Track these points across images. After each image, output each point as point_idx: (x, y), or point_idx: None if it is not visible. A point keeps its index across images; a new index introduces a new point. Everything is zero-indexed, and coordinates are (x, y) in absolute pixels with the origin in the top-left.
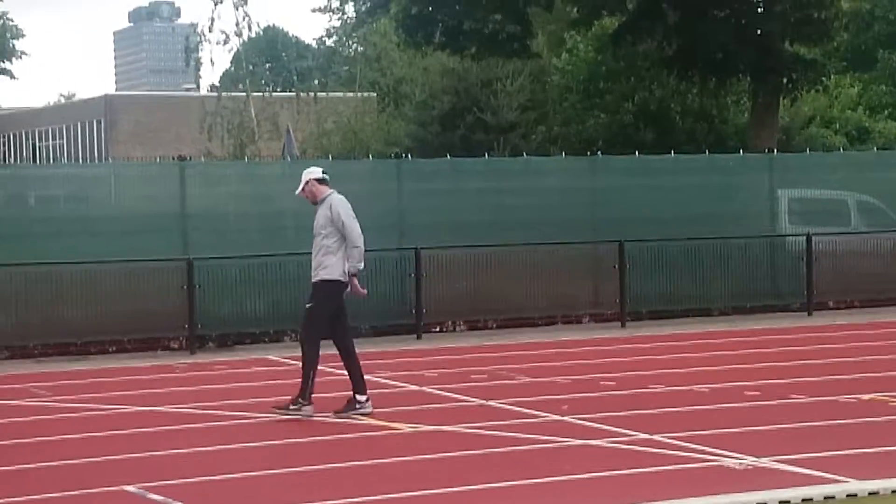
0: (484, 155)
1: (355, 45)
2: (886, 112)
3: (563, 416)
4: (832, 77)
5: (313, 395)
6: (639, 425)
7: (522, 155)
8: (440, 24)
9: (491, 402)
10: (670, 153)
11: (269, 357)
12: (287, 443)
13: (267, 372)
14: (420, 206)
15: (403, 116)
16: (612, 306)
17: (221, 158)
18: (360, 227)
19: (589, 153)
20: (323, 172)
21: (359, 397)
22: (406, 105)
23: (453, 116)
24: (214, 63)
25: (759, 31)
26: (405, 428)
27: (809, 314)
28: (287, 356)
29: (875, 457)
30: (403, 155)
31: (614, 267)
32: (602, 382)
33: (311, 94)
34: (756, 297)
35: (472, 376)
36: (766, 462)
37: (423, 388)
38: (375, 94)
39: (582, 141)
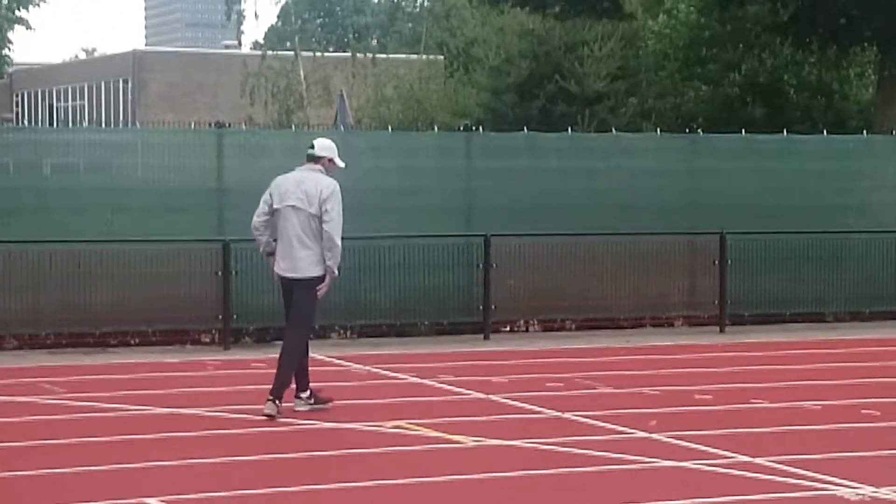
0: (567, 129)
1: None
2: None
3: (650, 433)
4: None
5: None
6: (738, 446)
7: (611, 131)
8: None
9: (567, 415)
10: (782, 132)
11: (314, 355)
12: (331, 455)
13: (310, 372)
14: (492, 186)
15: (474, 83)
16: (709, 308)
17: (265, 126)
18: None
19: (687, 130)
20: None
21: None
22: (478, 70)
23: (532, 85)
24: (259, 17)
25: None
26: (468, 441)
27: None
28: (333, 355)
29: None
30: (474, 127)
31: (714, 263)
32: (696, 396)
33: (369, 55)
34: (877, 302)
35: (547, 384)
36: (885, 493)
37: (490, 396)
38: (443, 58)
39: (680, 116)
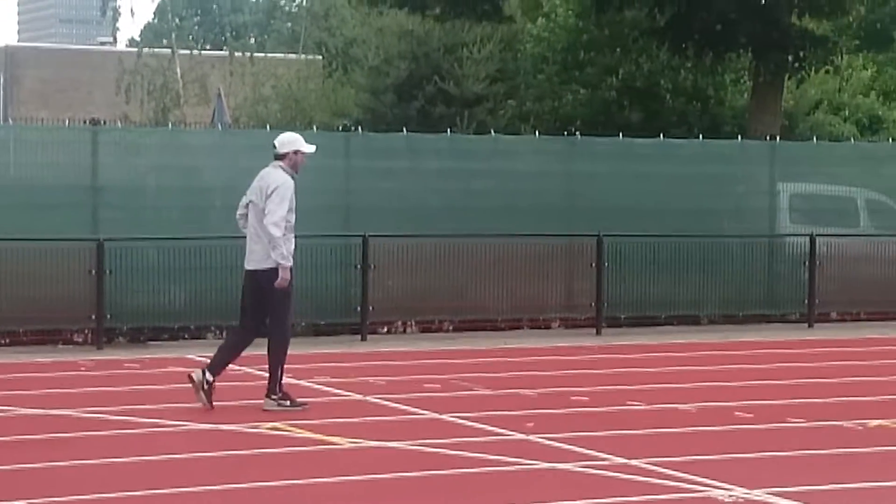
0: (445, 131)
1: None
2: None
3: (527, 434)
4: (843, 57)
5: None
6: (615, 448)
7: (489, 132)
8: None
9: (445, 416)
10: (658, 136)
11: (189, 356)
12: (208, 457)
13: (185, 374)
14: (370, 187)
15: (353, 83)
16: (586, 310)
17: (141, 124)
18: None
19: (566, 133)
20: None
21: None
22: (357, 71)
23: (411, 86)
24: (135, 14)
25: (763, 1)
26: (345, 443)
27: (810, 326)
28: (210, 355)
29: (878, 493)
30: (352, 128)
31: (591, 265)
32: (573, 398)
33: (247, 53)
34: (751, 305)
35: (425, 385)
36: (758, 495)
37: (368, 398)
38: (322, 57)
39: (558, 119)
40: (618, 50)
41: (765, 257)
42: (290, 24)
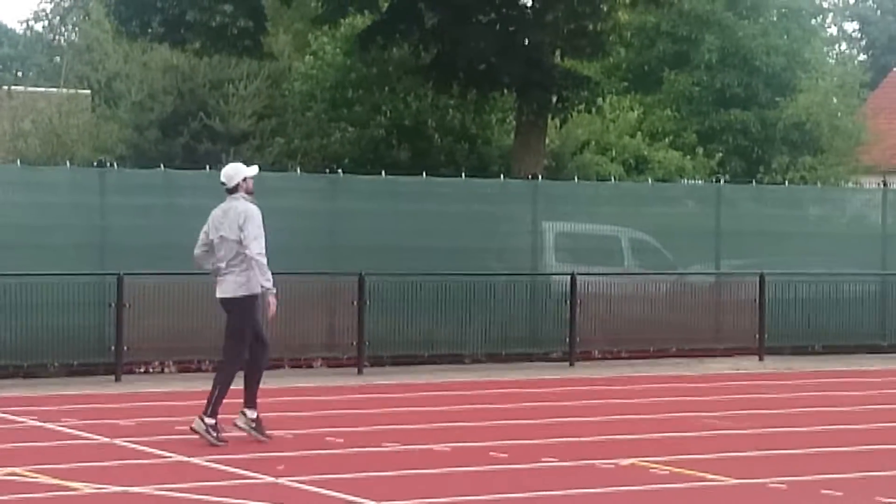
0: (207, 168)
1: (66, 32)
2: (668, 140)
3: (276, 478)
4: (611, 99)
5: None
6: (367, 491)
7: None
8: (159, 12)
9: (194, 460)
10: (426, 175)
11: None
12: None
13: None
14: (127, 224)
15: (117, 119)
16: (348, 350)
17: None
18: None
19: (328, 171)
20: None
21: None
22: (121, 106)
23: (176, 122)
24: None
25: (526, 41)
26: (85, 489)
27: (571, 365)
28: None
29: None
30: (113, 164)
31: (353, 303)
32: (328, 438)
33: (6, 87)
34: (514, 343)
35: (177, 428)
36: None
37: (115, 441)
38: (89, 92)
39: (326, 157)
40: (385, 88)
41: (528, 296)
42: (51, 58)
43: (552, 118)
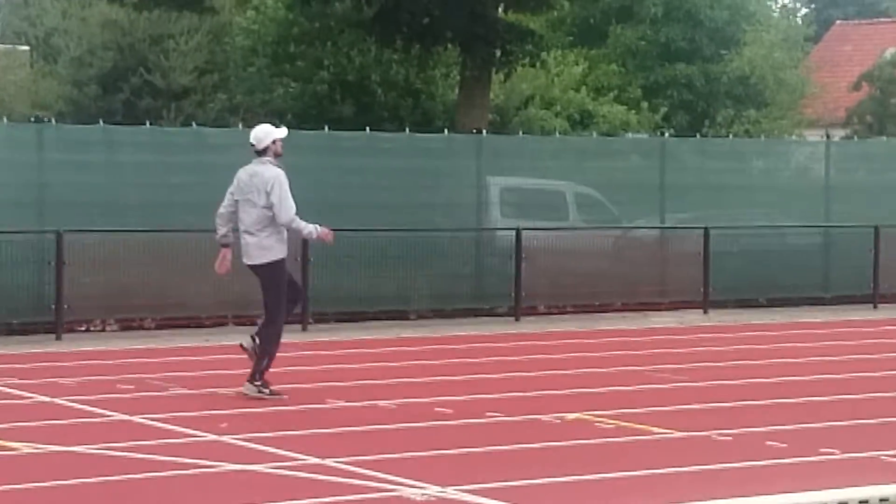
0: (147, 123)
1: None
2: (612, 94)
3: (220, 435)
4: (556, 53)
5: None
6: (310, 448)
7: (193, 125)
8: None
9: (136, 418)
10: (370, 130)
11: None
12: None
13: None
14: (65, 181)
15: (56, 75)
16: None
17: None
18: None
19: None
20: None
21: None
22: (59, 62)
23: (116, 77)
24: None
25: None
26: (23, 448)
27: (517, 320)
28: None
29: (572, 486)
30: (52, 120)
31: (297, 259)
32: None
33: None
34: (459, 299)
35: (119, 386)
36: (451, 493)
37: (55, 400)
38: (28, 48)
39: (269, 112)
40: (328, 43)
41: (473, 251)
42: None
43: (496, 72)
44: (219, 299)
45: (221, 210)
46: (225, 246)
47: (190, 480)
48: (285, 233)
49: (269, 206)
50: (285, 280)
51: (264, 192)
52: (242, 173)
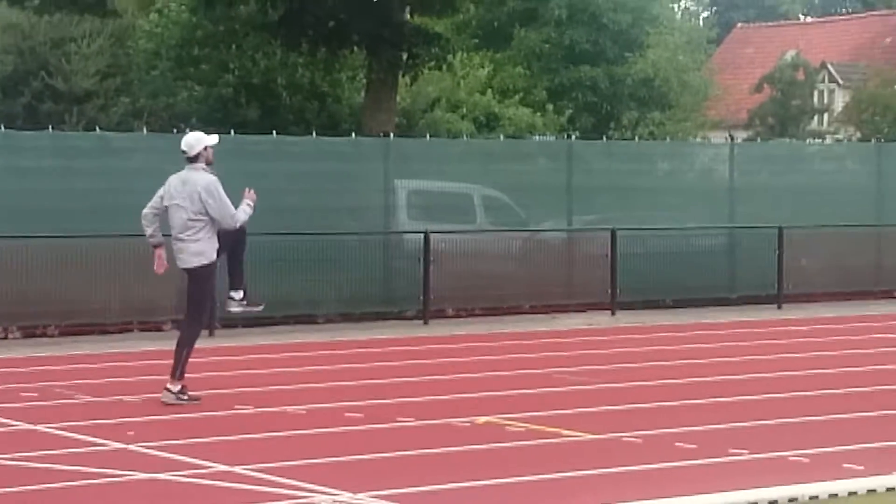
0: (49, 128)
1: None
2: (518, 97)
3: (127, 444)
4: (461, 56)
5: None
6: (219, 455)
7: (96, 130)
8: None
9: (39, 427)
10: (275, 134)
11: None
12: None
13: None
14: None
15: None
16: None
17: None
18: None
19: (175, 130)
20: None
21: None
22: None
23: (16, 81)
24: None
25: None
26: None
27: (426, 323)
28: None
29: (486, 491)
30: None
31: None
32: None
33: None
34: (368, 302)
35: (21, 394)
36: (363, 499)
37: None
38: None
39: (174, 116)
40: (233, 46)
41: (381, 254)
42: None
43: (402, 75)
44: (124, 305)
45: (146, 211)
46: (157, 246)
47: (96, 490)
48: (216, 237)
49: (203, 213)
50: (216, 282)
51: (197, 198)
52: (174, 179)
